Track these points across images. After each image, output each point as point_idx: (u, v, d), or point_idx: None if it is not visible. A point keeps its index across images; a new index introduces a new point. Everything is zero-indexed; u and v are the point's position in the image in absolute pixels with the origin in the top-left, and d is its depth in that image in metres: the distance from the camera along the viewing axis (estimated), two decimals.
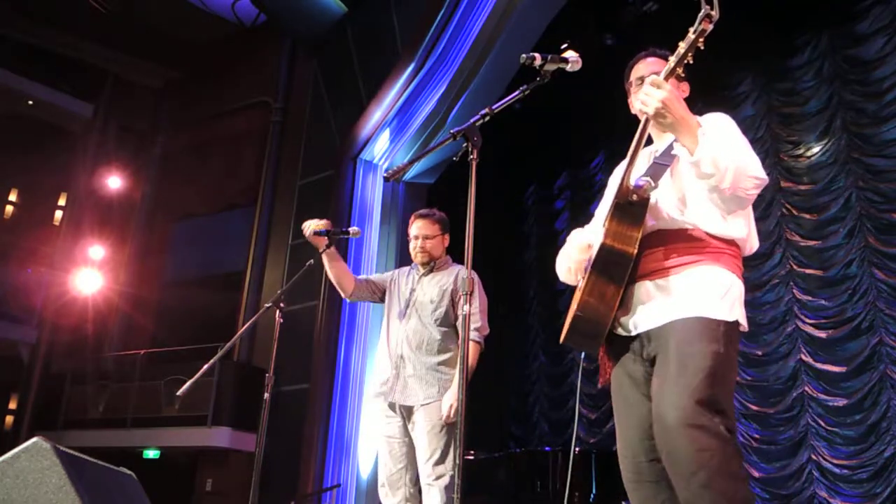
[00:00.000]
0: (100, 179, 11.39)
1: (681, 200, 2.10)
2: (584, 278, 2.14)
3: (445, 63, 7.94)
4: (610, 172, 9.41)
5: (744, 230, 2.10)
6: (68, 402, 9.76)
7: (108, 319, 10.66)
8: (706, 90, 8.44)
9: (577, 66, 2.32)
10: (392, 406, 3.39)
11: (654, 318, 2.06)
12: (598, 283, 2.06)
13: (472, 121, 2.22)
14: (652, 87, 1.94)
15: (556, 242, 10.13)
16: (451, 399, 3.25)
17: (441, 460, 3.21)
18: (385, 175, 2.66)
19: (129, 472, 2.68)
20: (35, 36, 10.97)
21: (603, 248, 2.04)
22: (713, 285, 2.02)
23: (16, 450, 2.05)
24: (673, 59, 1.94)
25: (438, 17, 7.80)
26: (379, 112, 8.50)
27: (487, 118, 2.25)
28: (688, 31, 1.88)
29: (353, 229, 3.64)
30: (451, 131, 2.22)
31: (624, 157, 2.18)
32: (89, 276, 10.47)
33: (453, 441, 3.26)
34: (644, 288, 2.09)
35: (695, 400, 1.88)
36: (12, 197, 11.73)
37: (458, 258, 3.61)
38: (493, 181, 9.60)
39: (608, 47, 8.57)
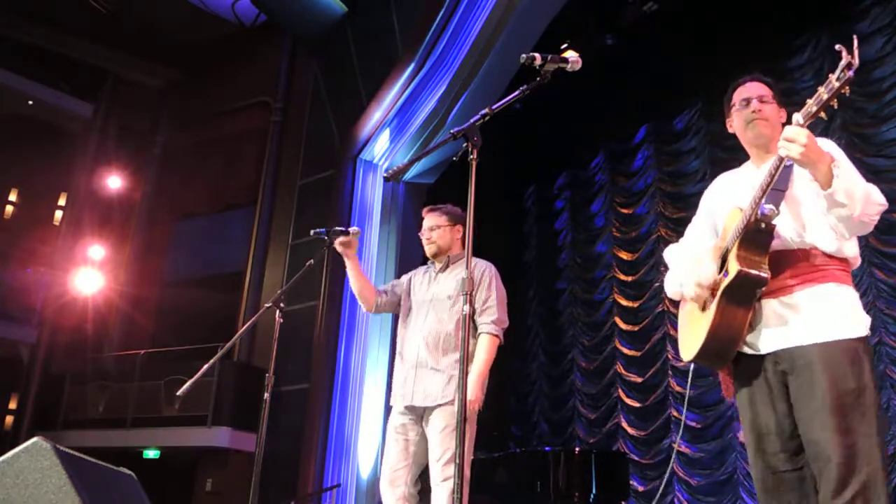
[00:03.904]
0: (100, 179, 11.38)
1: (798, 223, 2.24)
2: (712, 302, 2.26)
3: (445, 63, 7.94)
4: (610, 172, 9.39)
5: (854, 249, 2.25)
6: (68, 402, 9.75)
7: (108, 319, 10.65)
8: (706, 90, 8.45)
9: (577, 66, 2.32)
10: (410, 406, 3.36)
11: (783, 337, 2.19)
12: (729, 306, 2.21)
13: (472, 121, 2.22)
14: (793, 134, 2.04)
15: (556, 242, 10.16)
16: (471, 395, 3.15)
17: (451, 461, 3.17)
18: (385, 175, 2.65)
19: (129, 472, 2.68)
20: (35, 36, 10.96)
21: (740, 274, 2.16)
22: (842, 305, 2.17)
23: (16, 450, 2.04)
24: (814, 104, 2.04)
25: (438, 18, 7.80)
26: (379, 112, 8.50)
27: (487, 118, 2.25)
28: (829, 77, 1.97)
29: (353, 229, 3.63)
30: (451, 131, 2.22)
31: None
32: (89, 276, 10.46)
33: (466, 443, 3.22)
34: (769, 307, 2.22)
35: (846, 424, 2.04)
36: (12, 197, 11.73)
37: None
38: (493, 181, 9.60)
39: (608, 47, 8.57)
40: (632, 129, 9.39)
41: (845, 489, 2.00)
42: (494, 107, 2.25)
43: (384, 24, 8.79)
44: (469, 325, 2.18)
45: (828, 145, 2.22)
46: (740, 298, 2.20)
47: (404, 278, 3.64)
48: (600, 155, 9.78)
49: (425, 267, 3.62)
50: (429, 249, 3.52)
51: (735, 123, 2.44)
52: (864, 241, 6.99)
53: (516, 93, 2.31)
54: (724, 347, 2.25)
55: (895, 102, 7.04)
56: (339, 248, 3.42)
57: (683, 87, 8.76)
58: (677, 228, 8.26)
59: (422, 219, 3.63)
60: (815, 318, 2.15)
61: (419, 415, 3.30)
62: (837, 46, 1.95)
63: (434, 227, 3.51)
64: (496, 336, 3.29)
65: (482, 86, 7.81)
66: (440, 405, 3.22)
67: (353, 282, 3.52)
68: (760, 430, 2.24)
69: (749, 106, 2.38)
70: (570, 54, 2.33)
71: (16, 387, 10.40)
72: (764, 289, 2.20)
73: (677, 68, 8.65)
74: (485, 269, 3.41)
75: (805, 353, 2.14)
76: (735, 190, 2.38)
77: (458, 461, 2.00)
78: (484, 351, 3.24)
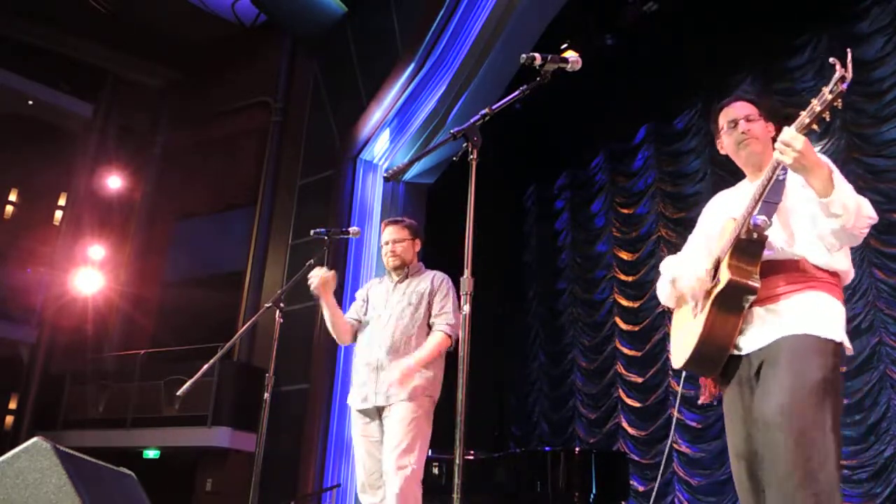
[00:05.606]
0: (100, 179, 11.38)
1: (789, 234, 2.28)
2: (702, 309, 2.31)
3: (445, 63, 7.94)
4: (610, 172, 9.40)
5: (845, 263, 2.29)
6: (68, 402, 9.75)
7: (108, 319, 10.65)
8: (706, 91, 8.45)
9: (577, 66, 2.33)
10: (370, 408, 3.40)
11: (763, 337, 2.24)
12: (720, 314, 2.26)
13: (472, 121, 2.22)
14: (790, 139, 2.05)
15: (557, 242, 10.15)
16: (409, 360, 3.24)
17: (407, 452, 3.19)
18: (385, 175, 2.67)
19: (129, 472, 2.68)
20: (35, 36, 10.95)
21: (730, 283, 2.21)
22: (822, 309, 2.21)
23: (16, 450, 2.05)
24: (807, 116, 2.05)
25: (438, 17, 7.80)
26: (379, 112, 8.49)
27: (487, 118, 2.25)
28: (822, 90, 2.00)
29: (353, 229, 3.66)
30: (451, 131, 2.22)
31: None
32: (89, 276, 10.45)
33: (421, 438, 3.26)
34: (756, 313, 2.27)
35: (801, 406, 2.05)
36: (12, 197, 11.72)
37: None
38: (493, 181, 9.59)
39: (608, 47, 8.57)
40: (632, 129, 9.38)
41: (785, 481, 2.00)
42: (494, 107, 2.25)
43: (384, 24, 8.79)
44: (468, 323, 2.18)
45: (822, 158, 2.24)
46: (730, 307, 2.24)
47: (360, 296, 3.73)
48: (600, 155, 9.78)
49: (379, 279, 3.72)
50: (392, 262, 3.61)
51: (726, 145, 2.48)
52: (864, 242, 6.96)
53: (516, 93, 2.31)
54: (715, 354, 2.29)
55: (895, 102, 7.04)
56: (315, 291, 3.46)
57: (683, 87, 8.75)
58: (677, 228, 8.26)
59: (413, 223, 3.70)
60: (793, 316, 2.20)
61: (378, 414, 3.38)
62: (832, 59, 2.00)
63: (398, 241, 3.61)
64: (449, 336, 3.39)
65: (482, 86, 7.81)
66: (400, 401, 3.30)
67: (331, 320, 3.59)
68: (743, 428, 2.25)
69: (737, 128, 2.41)
70: (570, 54, 2.34)
71: (16, 387, 10.40)
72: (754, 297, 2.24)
73: (677, 68, 8.64)
74: (443, 280, 3.58)
75: (777, 346, 2.18)
76: (731, 207, 2.42)
77: (458, 461, 1.99)
78: (434, 343, 3.35)
